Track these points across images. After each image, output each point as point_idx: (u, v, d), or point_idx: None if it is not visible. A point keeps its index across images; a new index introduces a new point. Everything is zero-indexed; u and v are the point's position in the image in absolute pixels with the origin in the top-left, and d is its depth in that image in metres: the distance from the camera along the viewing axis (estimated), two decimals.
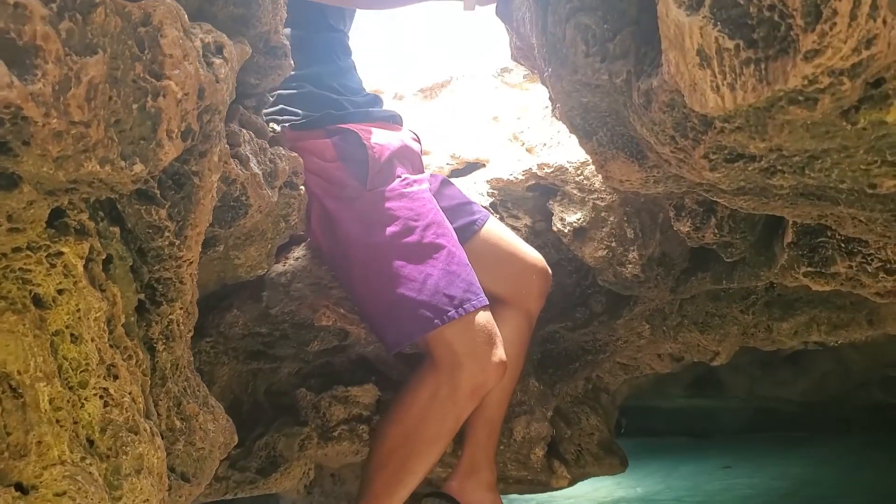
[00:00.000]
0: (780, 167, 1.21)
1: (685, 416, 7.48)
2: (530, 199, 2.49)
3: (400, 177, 1.97)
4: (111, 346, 1.04)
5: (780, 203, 1.56)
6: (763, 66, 0.96)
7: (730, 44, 0.98)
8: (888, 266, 1.99)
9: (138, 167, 0.87)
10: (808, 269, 2.14)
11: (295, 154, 1.68)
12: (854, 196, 1.38)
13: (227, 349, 2.08)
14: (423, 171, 2.23)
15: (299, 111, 2.01)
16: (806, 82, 0.93)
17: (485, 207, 2.38)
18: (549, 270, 2.38)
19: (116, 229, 1.03)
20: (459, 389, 1.90)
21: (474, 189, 2.45)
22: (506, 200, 2.49)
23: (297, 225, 1.77)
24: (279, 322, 1.97)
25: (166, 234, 1.06)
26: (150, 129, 0.88)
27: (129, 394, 1.07)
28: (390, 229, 1.88)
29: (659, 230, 2.42)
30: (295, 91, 2.03)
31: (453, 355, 1.89)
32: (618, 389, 3.49)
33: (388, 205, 1.90)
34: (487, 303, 1.95)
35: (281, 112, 2.00)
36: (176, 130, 0.91)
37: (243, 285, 1.94)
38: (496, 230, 2.29)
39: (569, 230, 2.38)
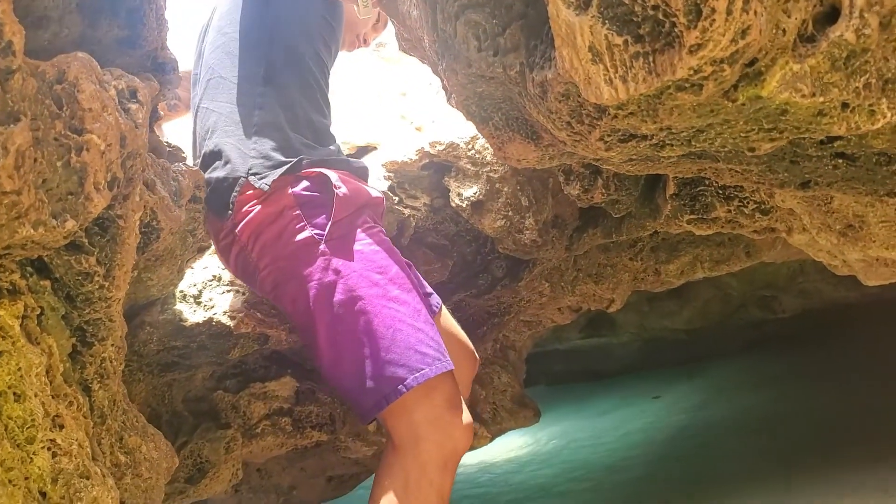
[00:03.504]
0: (669, 142, 1.31)
1: (582, 354, 7.84)
2: (426, 178, 2.54)
3: (361, 227, 1.80)
4: (53, 396, 1.04)
5: (664, 164, 1.67)
6: (651, 59, 1.04)
7: (619, 40, 1.06)
8: (762, 207, 2.17)
9: (70, 224, 0.87)
10: (691, 216, 2.29)
11: (196, 168, 1.66)
12: (732, 154, 1.50)
13: (141, 366, 2.05)
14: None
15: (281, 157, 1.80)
16: (691, 72, 1.02)
17: (383, 192, 2.42)
18: (478, 357, 2.24)
19: (47, 282, 1.02)
20: (430, 464, 1.65)
21: (371, 174, 2.47)
22: (402, 182, 2.53)
23: (203, 237, 1.75)
24: (196, 334, 1.96)
25: (96, 278, 1.06)
26: (77, 184, 0.87)
27: (76, 441, 1.06)
28: (352, 283, 1.69)
29: (550, 194, 2.52)
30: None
31: (416, 427, 1.66)
32: (523, 345, 3.63)
33: (348, 257, 1.72)
34: (453, 366, 1.74)
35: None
36: (103, 182, 0.90)
37: (153, 300, 1.91)
38: (446, 314, 2.16)
39: (466, 204, 2.45)
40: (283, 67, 1.89)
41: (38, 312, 1.01)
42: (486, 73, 1.38)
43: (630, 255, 3.00)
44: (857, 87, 1.16)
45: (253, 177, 1.74)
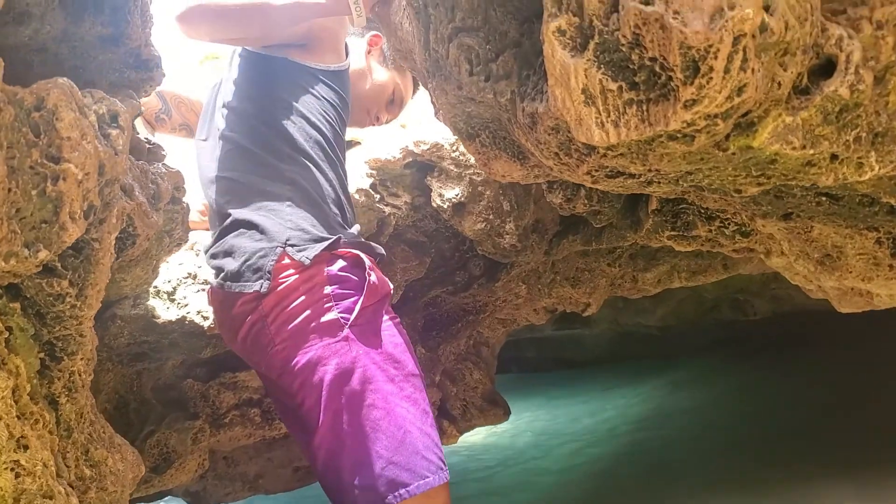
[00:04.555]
0: (656, 180, 1.30)
1: (553, 343, 7.89)
2: (408, 176, 2.51)
3: (384, 317, 1.75)
4: (18, 416, 1.02)
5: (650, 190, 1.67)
6: (645, 108, 1.03)
7: (613, 85, 1.04)
8: (743, 229, 2.17)
9: (42, 254, 0.84)
10: (672, 232, 2.29)
11: (177, 169, 1.62)
12: (718, 189, 1.50)
13: (111, 356, 2.03)
14: None
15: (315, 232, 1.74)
16: (685, 125, 1.00)
17: (362, 189, 2.39)
18: None
19: (17, 304, 0.99)
20: None
21: (353, 171, 2.44)
22: (385, 180, 2.50)
23: (181, 238, 1.72)
24: (168, 331, 1.93)
25: (68, 299, 1.03)
26: (52, 213, 0.85)
27: (41, 461, 1.05)
28: (370, 374, 1.64)
29: (532, 200, 2.51)
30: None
31: None
32: (497, 341, 3.63)
33: (369, 347, 1.66)
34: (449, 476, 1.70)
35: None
36: (79, 211, 0.88)
37: (126, 294, 1.88)
38: None
39: (448, 206, 2.43)
40: (308, 143, 1.80)
41: (5, 335, 0.98)
42: (476, 97, 1.36)
43: (608, 261, 3.00)
44: (847, 141, 1.16)
45: (291, 248, 1.67)
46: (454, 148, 2.39)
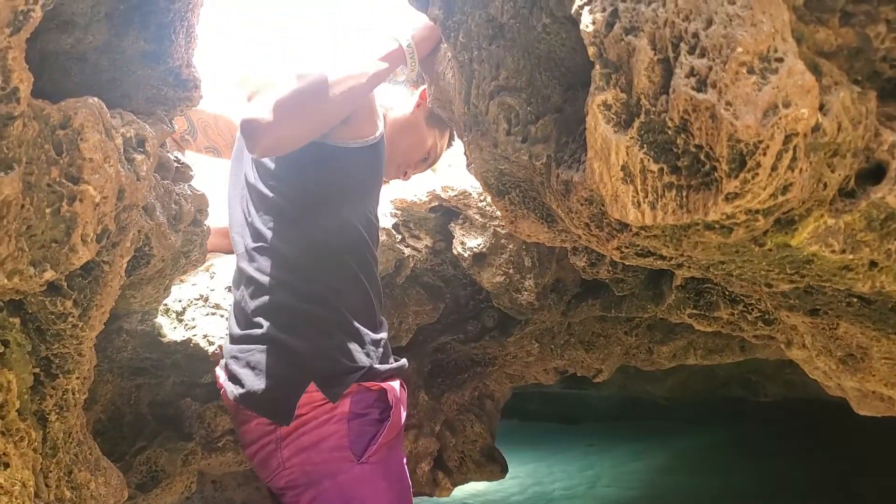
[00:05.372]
0: (686, 265, 1.26)
1: (558, 398, 7.81)
2: (432, 220, 2.49)
3: (395, 456, 1.72)
4: (2, 433, 0.98)
5: (678, 273, 1.63)
6: (685, 193, 0.99)
7: (654, 167, 1.01)
8: (766, 317, 2.12)
9: (48, 274, 0.82)
10: (694, 311, 2.25)
11: (202, 192, 1.60)
12: (747, 279, 1.46)
13: (111, 367, 2.00)
14: None
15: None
16: (724, 217, 0.97)
17: (383, 228, 2.37)
18: None
19: (16, 320, 0.96)
20: None
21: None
22: (408, 221, 2.48)
23: (198, 260, 1.69)
24: (172, 351, 1.90)
25: (70, 319, 1.00)
26: (64, 233, 0.82)
27: (20, 480, 1.01)
28: None
29: (555, 259, 2.48)
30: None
31: None
32: (502, 395, 3.58)
33: (375, 488, 1.63)
34: None
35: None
36: (91, 234, 0.85)
37: (134, 309, 1.86)
38: None
39: (468, 255, 2.40)
40: (343, 243, 1.72)
41: (1, 349, 0.95)
42: (511, 157, 1.34)
43: (625, 329, 2.94)
44: (889, 249, 1.11)
45: (321, 380, 1.62)
46: (481, 198, 2.36)
